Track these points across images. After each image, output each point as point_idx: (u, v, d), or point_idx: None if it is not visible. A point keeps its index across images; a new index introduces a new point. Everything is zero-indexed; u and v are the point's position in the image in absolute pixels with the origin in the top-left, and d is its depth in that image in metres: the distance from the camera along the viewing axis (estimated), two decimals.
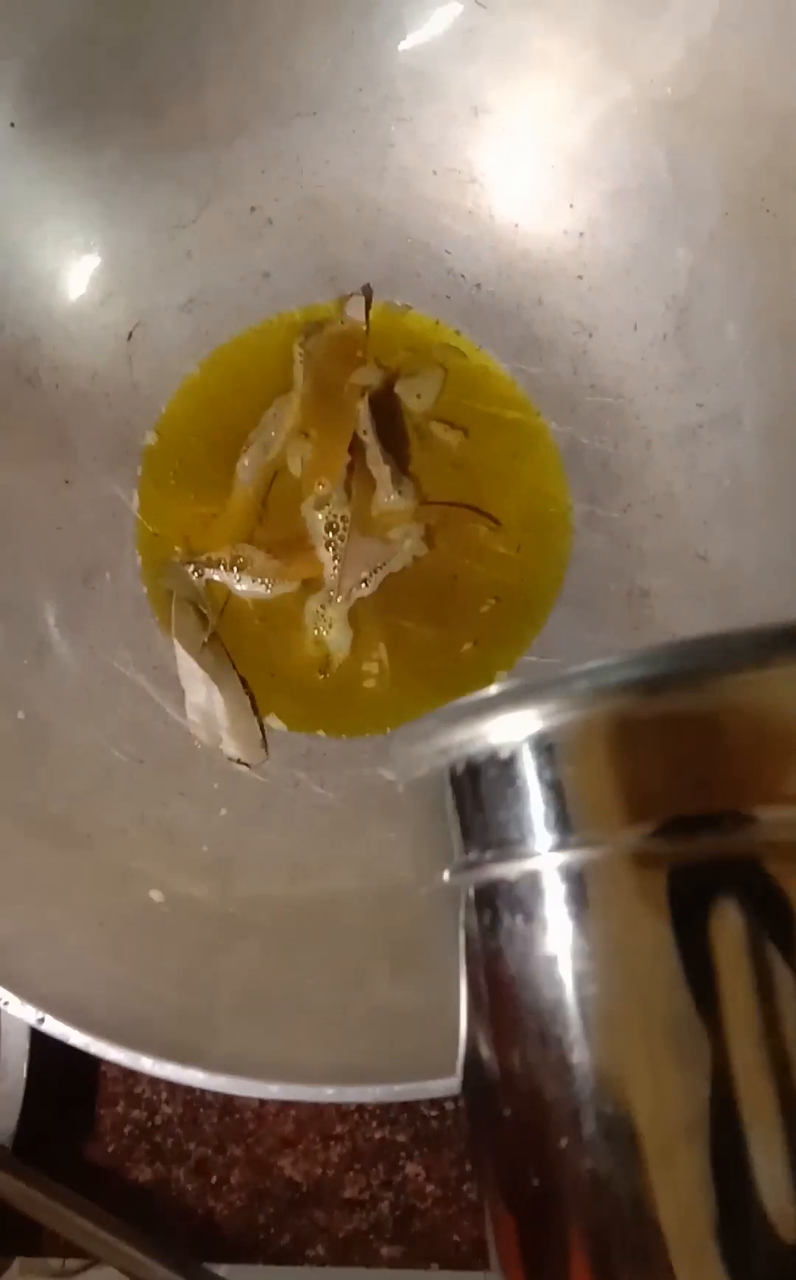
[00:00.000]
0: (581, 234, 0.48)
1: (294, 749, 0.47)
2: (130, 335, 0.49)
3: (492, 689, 0.25)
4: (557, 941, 0.24)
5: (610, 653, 0.24)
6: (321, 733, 0.47)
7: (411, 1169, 0.47)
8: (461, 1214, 0.46)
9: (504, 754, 0.25)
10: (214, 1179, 0.47)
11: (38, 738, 0.44)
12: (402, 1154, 0.47)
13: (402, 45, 0.46)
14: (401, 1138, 0.47)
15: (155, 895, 0.42)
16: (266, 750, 0.47)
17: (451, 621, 0.48)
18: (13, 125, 0.44)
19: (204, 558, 0.48)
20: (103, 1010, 0.37)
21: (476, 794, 0.25)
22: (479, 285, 0.49)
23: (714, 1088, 0.22)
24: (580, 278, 0.48)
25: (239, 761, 0.46)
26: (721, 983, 0.22)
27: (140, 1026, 0.37)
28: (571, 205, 0.47)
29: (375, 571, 0.47)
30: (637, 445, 0.48)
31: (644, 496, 0.48)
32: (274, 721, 0.47)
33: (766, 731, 0.22)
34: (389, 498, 0.47)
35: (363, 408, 0.48)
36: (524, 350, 0.49)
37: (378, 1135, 0.47)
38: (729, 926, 0.22)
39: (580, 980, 0.23)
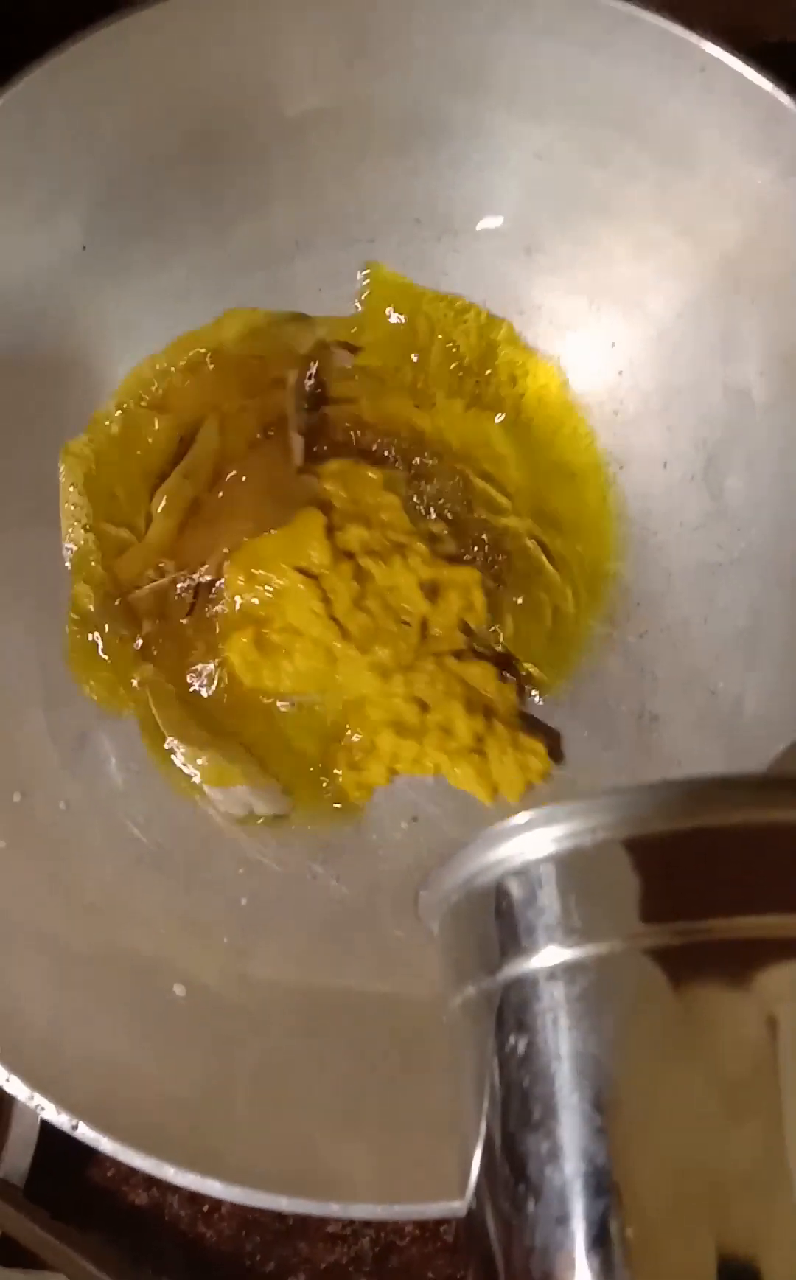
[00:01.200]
0: (620, 372, 0.50)
1: (313, 842, 0.50)
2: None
3: (522, 816, 0.30)
4: (595, 1026, 0.27)
5: (620, 788, 0.29)
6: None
7: None
8: (437, 1253, 0.50)
9: (534, 870, 0.29)
10: (206, 1207, 0.50)
11: (77, 827, 0.47)
12: None
13: (465, 183, 0.47)
14: None
15: (178, 990, 0.45)
16: (291, 802, 0.49)
17: None
18: (84, 248, 0.45)
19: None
20: (128, 1113, 0.40)
21: (513, 905, 0.30)
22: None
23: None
24: (616, 413, 0.50)
25: (274, 818, 0.49)
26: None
27: (163, 1130, 0.40)
28: (613, 344, 0.49)
29: None
30: (659, 575, 0.50)
31: (661, 625, 0.50)
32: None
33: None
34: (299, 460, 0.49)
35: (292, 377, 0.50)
36: None
37: None
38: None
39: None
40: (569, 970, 0.28)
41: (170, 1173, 0.38)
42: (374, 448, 0.51)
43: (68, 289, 0.46)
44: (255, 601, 0.49)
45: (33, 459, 0.47)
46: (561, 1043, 0.28)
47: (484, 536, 0.51)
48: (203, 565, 0.49)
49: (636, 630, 0.50)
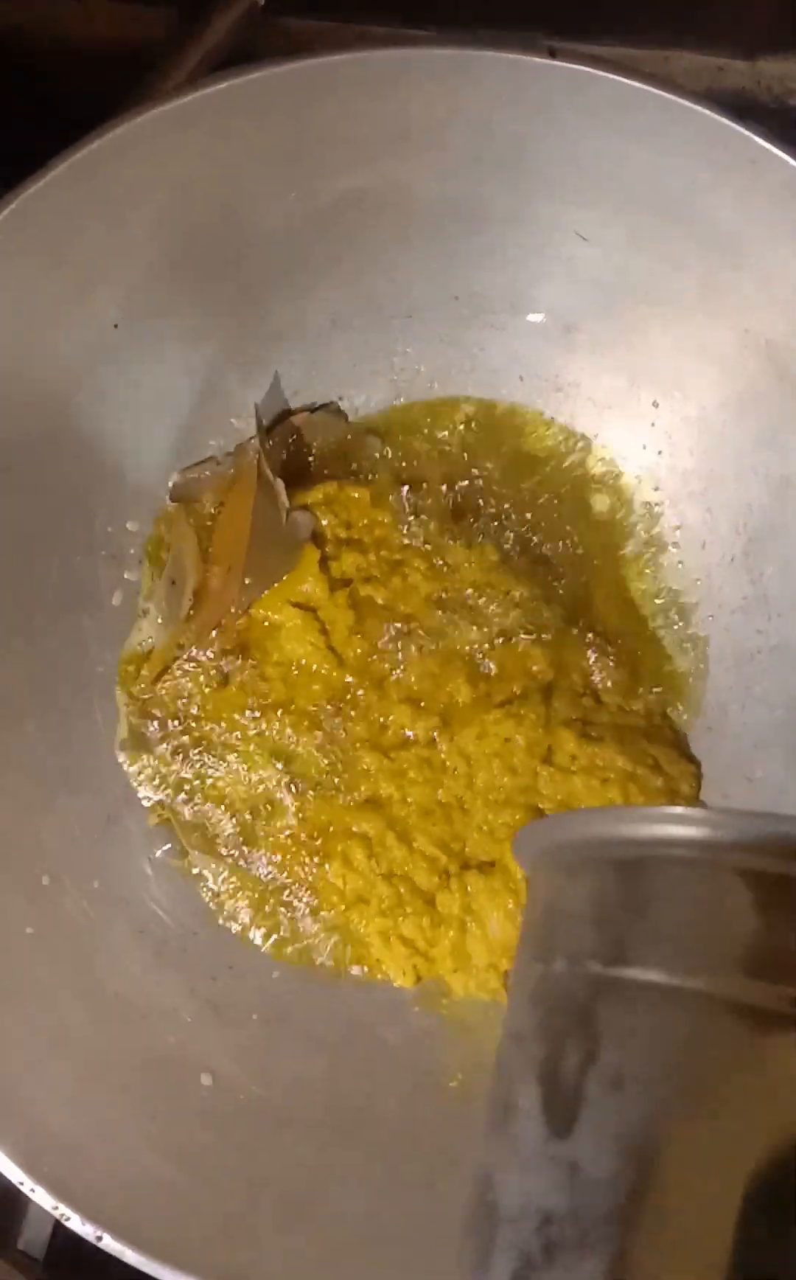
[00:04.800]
0: (660, 452, 0.49)
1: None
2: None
3: (714, 812, 0.29)
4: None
5: None
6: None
7: None
8: None
9: (689, 873, 0.28)
10: None
11: (104, 913, 0.46)
12: None
13: (503, 264, 0.46)
14: None
15: (205, 1079, 0.44)
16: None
17: None
18: (117, 326, 0.44)
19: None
20: (153, 1223, 0.39)
21: (641, 900, 0.29)
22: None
23: None
24: (656, 489, 0.49)
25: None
26: None
27: (188, 1240, 0.39)
28: (652, 424, 0.48)
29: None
30: (696, 656, 0.49)
31: (697, 706, 0.49)
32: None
33: None
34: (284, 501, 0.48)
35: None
36: None
37: None
38: None
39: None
40: (669, 995, 0.28)
41: None
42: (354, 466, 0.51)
43: (101, 366, 0.45)
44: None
45: (64, 547, 0.46)
46: (631, 1062, 0.27)
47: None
48: (214, 633, 0.49)
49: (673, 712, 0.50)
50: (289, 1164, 0.43)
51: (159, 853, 0.49)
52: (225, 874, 0.49)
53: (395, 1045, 0.47)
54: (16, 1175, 0.38)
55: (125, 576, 0.49)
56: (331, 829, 0.49)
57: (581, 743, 0.46)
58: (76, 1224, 0.38)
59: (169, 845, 0.49)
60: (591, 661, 0.49)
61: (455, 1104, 0.45)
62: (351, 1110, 0.45)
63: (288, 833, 0.49)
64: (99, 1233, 0.38)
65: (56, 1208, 0.38)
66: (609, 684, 0.48)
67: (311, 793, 0.49)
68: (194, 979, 0.47)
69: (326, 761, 0.49)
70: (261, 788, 0.49)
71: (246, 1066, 0.45)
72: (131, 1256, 0.38)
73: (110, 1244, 0.38)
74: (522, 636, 0.48)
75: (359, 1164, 0.43)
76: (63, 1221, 0.38)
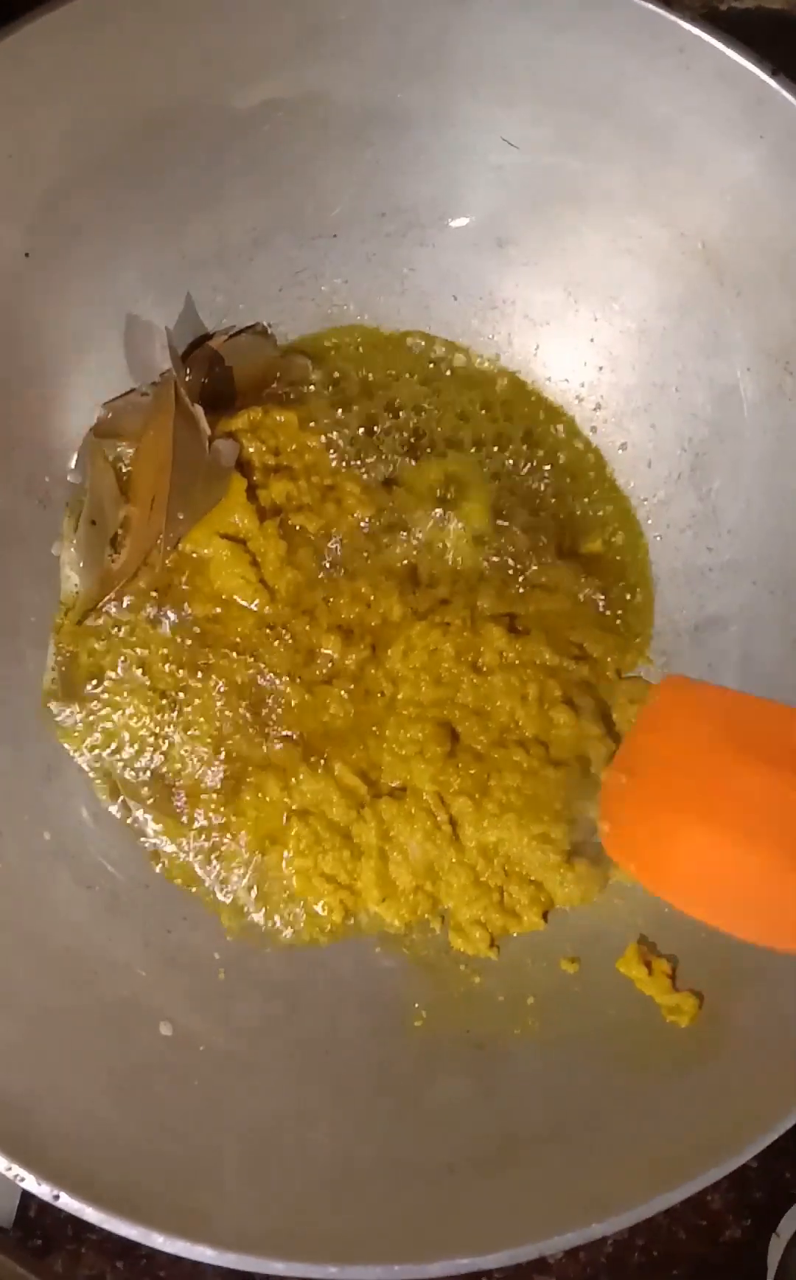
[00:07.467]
0: (601, 368, 0.47)
1: None
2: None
3: None
4: None
5: None
6: None
7: None
8: None
9: None
10: None
11: (49, 868, 0.45)
12: None
13: (430, 173, 0.45)
14: None
15: (165, 1029, 0.43)
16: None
17: None
18: (28, 255, 0.42)
19: None
20: (112, 1178, 0.38)
21: None
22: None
23: None
24: (597, 409, 0.48)
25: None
26: None
27: (150, 1193, 0.38)
28: (592, 339, 0.47)
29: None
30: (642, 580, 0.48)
31: (648, 632, 0.48)
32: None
33: None
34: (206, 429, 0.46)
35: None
36: None
37: None
38: None
39: None
40: None
41: (159, 1240, 0.36)
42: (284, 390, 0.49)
43: (11, 300, 0.43)
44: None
45: None
46: None
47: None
48: (141, 573, 0.47)
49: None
50: (253, 1108, 0.42)
51: (100, 805, 0.47)
52: (163, 825, 0.47)
53: (357, 986, 0.46)
54: None
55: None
56: (250, 768, 0.47)
57: (509, 638, 0.45)
58: (32, 1184, 0.37)
59: (109, 797, 0.47)
60: (522, 549, 0.47)
61: (419, 1043, 0.44)
62: (315, 1052, 0.44)
63: (218, 775, 0.47)
64: (55, 1191, 0.37)
65: (10, 1168, 0.37)
66: (535, 565, 0.47)
67: (238, 734, 0.47)
68: (148, 932, 0.46)
69: (254, 700, 0.47)
70: (190, 731, 0.47)
71: (206, 1014, 0.44)
72: (90, 1214, 0.37)
73: (67, 1202, 0.37)
74: (454, 535, 0.47)
75: (324, 1105, 0.42)
76: (17, 1182, 0.37)
